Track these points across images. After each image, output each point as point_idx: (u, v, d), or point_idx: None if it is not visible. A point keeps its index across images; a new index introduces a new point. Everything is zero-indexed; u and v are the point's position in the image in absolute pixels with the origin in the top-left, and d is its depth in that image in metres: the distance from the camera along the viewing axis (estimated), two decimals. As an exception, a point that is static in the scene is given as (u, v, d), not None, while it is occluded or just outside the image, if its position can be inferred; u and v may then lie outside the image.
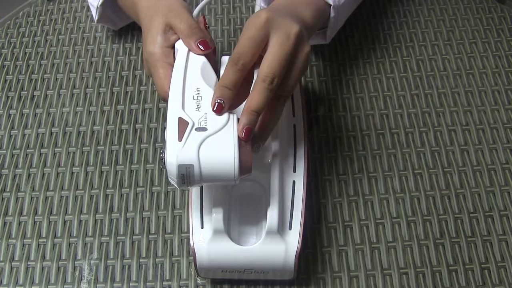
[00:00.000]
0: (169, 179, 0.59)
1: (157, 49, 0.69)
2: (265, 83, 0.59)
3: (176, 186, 0.59)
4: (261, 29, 0.61)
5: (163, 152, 0.59)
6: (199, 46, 0.67)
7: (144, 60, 0.72)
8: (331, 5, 0.77)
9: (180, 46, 0.68)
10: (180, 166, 0.57)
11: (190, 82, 0.63)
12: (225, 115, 0.60)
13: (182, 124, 0.59)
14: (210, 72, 0.65)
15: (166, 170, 0.58)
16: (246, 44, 0.61)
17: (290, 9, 0.68)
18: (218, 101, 0.60)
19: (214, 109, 0.59)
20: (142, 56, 0.91)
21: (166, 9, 0.71)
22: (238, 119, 0.59)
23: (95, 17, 0.88)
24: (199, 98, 0.62)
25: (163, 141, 0.60)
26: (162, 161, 0.59)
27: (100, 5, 0.85)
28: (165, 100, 0.66)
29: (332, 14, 0.78)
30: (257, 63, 0.62)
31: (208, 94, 0.61)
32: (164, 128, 0.61)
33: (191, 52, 0.67)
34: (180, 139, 0.58)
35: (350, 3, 0.82)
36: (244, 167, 0.57)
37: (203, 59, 0.66)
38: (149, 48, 0.69)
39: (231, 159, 0.56)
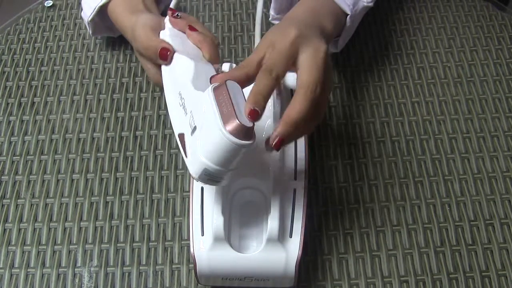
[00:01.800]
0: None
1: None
2: (308, 91, 0.59)
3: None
4: (292, 44, 0.61)
5: None
6: (160, 60, 0.70)
7: (137, 57, 0.76)
8: (347, 14, 0.77)
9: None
10: (200, 178, 0.57)
11: (174, 91, 0.64)
12: (201, 103, 0.59)
13: (181, 138, 0.59)
14: (187, 63, 0.67)
15: None
16: (277, 57, 0.61)
17: (314, 19, 0.69)
18: (253, 107, 0.57)
19: (248, 115, 0.56)
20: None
21: (130, 32, 0.76)
22: (214, 91, 0.57)
23: (90, 31, 0.89)
24: (183, 101, 0.62)
25: None
26: None
27: (90, 21, 0.85)
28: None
29: (348, 24, 0.79)
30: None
31: (188, 91, 0.62)
32: None
33: (175, 60, 0.69)
34: (186, 154, 0.58)
35: (362, 12, 0.83)
36: (237, 131, 0.54)
37: (176, 57, 0.68)
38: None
39: (220, 134, 0.54)
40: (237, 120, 0.53)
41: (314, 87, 0.59)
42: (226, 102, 0.55)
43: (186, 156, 0.58)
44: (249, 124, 0.54)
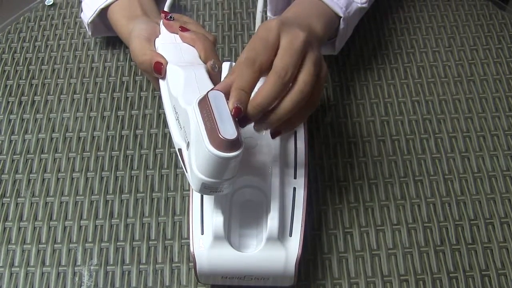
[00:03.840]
0: None
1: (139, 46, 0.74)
2: (277, 76, 0.58)
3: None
4: (273, 31, 0.60)
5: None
6: (154, 72, 0.70)
7: (138, 65, 0.75)
8: (341, 17, 0.77)
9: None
10: (201, 191, 0.58)
11: (171, 105, 0.65)
12: (187, 113, 0.59)
13: (181, 153, 0.60)
14: (177, 74, 0.67)
15: None
16: (260, 45, 0.60)
17: (300, 20, 0.69)
18: (236, 105, 0.57)
19: (233, 113, 0.56)
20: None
21: (127, 41, 0.77)
22: (199, 105, 0.57)
23: (89, 33, 0.89)
24: (177, 115, 0.62)
25: None
26: None
27: (90, 22, 0.85)
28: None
29: (341, 26, 0.79)
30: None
31: (179, 106, 0.62)
32: None
33: (167, 72, 0.69)
34: (186, 169, 0.59)
35: (357, 14, 0.83)
36: (222, 146, 0.54)
37: (169, 69, 0.69)
38: (134, 50, 0.74)
39: (205, 150, 0.54)
40: (220, 135, 0.53)
41: (284, 72, 0.58)
42: (209, 115, 0.55)
43: (186, 171, 0.59)
44: (233, 136, 0.54)
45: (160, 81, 0.70)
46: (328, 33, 0.76)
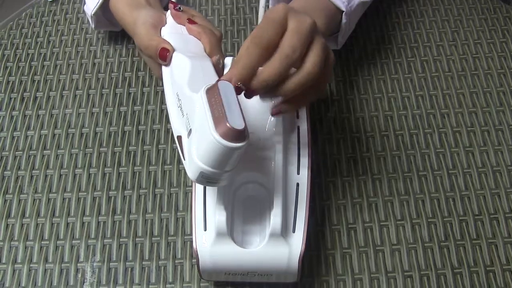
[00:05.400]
0: None
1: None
2: (284, 54, 0.57)
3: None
4: (281, 13, 0.59)
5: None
6: (159, 60, 0.68)
7: (141, 54, 0.75)
8: (343, 11, 0.77)
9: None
10: (198, 180, 0.57)
11: (173, 92, 0.64)
12: (195, 103, 0.58)
13: (180, 141, 0.59)
14: (184, 63, 0.66)
15: None
16: (267, 24, 0.59)
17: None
18: (237, 85, 0.57)
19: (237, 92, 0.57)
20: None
21: (132, 28, 0.75)
22: (207, 93, 0.57)
23: (92, 25, 0.88)
24: (180, 102, 0.61)
25: None
26: None
27: (93, 14, 0.85)
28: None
29: (344, 20, 0.78)
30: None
31: (184, 93, 0.61)
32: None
33: (173, 60, 0.68)
34: (184, 157, 0.58)
35: (360, 8, 0.82)
36: (228, 135, 0.54)
37: (175, 57, 0.67)
38: (139, 38, 0.72)
39: (210, 137, 0.54)
40: (227, 124, 0.53)
41: (291, 51, 0.57)
42: (218, 104, 0.55)
43: (184, 159, 0.58)
44: (240, 127, 0.53)
45: (163, 68, 0.70)
46: (330, 28, 0.75)
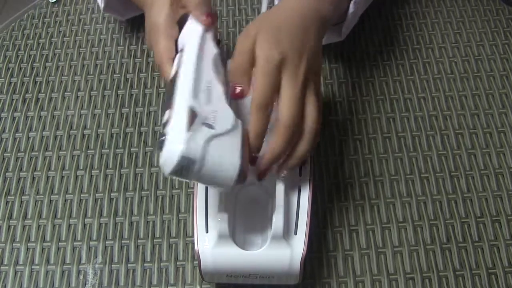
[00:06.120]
0: (160, 164, 0.55)
1: (161, 20, 0.68)
2: (286, 127, 0.60)
3: (166, 174, 0.55)
4: (276, 68, 0.61)
5: (163, 137, 0.55)
6: (208, 17, 0.66)
7: (146, 32, 0.71)
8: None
9: (191, 29, 0.67)
10: (182, 158, 0.54)
11: (202, 73, 0.62)
12: (232, 117, 0.59)
13: (192, 115, 0.56)
14: (220, 66, 0.64)
15: (159, 156, 0.55)
16: (265, 86, 0.60)
17: (310, 4, 0.68)
18: (253, 154, 0.62)
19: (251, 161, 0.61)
20: (146, 58, 0.91)
21: (148, 10, 0.70)
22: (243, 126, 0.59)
23: (101, 6, 0.88)
24: (210, 91, 0.60)
25: (162, 124, 0.58)
26: (160, 146, 0.55)
27: None
28: (161, 73, 0.66)
29: (351, 10, 0.78)
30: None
31: (219, 90, 0.61)
32: (164, 110, 0.59)
33: (206, 41, 0.66)
34: (188, 129, 0.55)
35: None
36: (243, 177, 0.57)
37: (215, 50, 0.65)
38: (153, 18, 0.68)
39: (235, 166, 0.55)
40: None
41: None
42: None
43: (187, 130, 0.55)
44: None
45: (194, 42, 0.65)
46: (335, 17, 0.74)
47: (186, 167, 0.54)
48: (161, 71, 0.66)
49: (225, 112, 0.59)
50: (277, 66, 0.60)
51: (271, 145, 0.61)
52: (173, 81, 0.61)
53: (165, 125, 0.56)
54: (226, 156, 0.56)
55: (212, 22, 0.66)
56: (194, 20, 0.67)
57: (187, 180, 0.58)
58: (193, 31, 0.66)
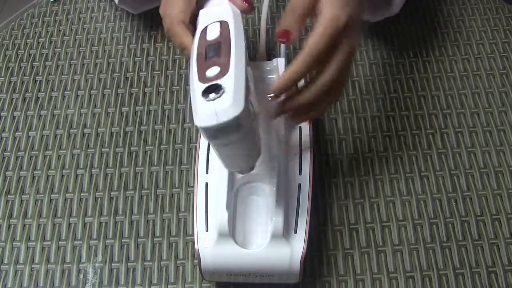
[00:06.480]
0: (210, 113, 0.51)
1: (175, 11, 0.67)
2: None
3: (211, 124, 0.50)
4: (337, 34, 0.58)
5: (214, 82, 0.52)
6: (244, 2, 0.65)
7: (163, 23, 0.69)
8: None
9: (223, 10, 0.64)
10: (236, 119, 0.51)
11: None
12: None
13: (248, 89, 0.54)
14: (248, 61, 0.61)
15: (214, 102, 0.51)
16: (321, 46, 0.57)
17: None
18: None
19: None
20: (146, 57, 0.91)
21: None
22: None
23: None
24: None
25: (211, 73, 0.54)
26: (218, 92, 0.51)
27: None
28: (172, 37, 0.65)
29: None
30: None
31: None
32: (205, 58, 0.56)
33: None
34: (246, 99, 0.52)
35: None
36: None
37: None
38: (168, 9, 0.68)
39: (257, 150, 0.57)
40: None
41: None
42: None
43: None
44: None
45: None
46: None
47: (231, 128, 0.51)
48: (172, 33, 0.66)
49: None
50: (340, 29, 0.57)
51: (292, 64, 0.58)
52: (220, 41, 0.58)
53: (217, 76, 0.53)
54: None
55: (248, 8, 0.65)
56: (227, 1, 0.66)
57: (213, 140, 0.52)
58: (225, 11, 0.64)
